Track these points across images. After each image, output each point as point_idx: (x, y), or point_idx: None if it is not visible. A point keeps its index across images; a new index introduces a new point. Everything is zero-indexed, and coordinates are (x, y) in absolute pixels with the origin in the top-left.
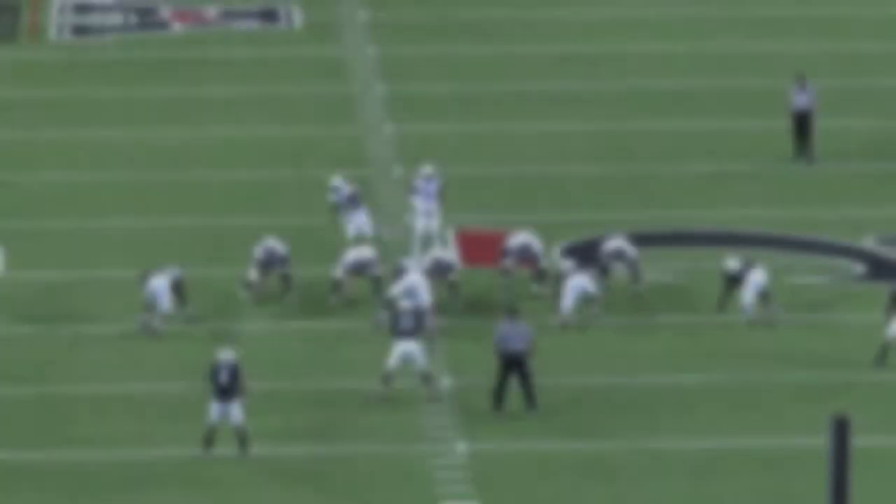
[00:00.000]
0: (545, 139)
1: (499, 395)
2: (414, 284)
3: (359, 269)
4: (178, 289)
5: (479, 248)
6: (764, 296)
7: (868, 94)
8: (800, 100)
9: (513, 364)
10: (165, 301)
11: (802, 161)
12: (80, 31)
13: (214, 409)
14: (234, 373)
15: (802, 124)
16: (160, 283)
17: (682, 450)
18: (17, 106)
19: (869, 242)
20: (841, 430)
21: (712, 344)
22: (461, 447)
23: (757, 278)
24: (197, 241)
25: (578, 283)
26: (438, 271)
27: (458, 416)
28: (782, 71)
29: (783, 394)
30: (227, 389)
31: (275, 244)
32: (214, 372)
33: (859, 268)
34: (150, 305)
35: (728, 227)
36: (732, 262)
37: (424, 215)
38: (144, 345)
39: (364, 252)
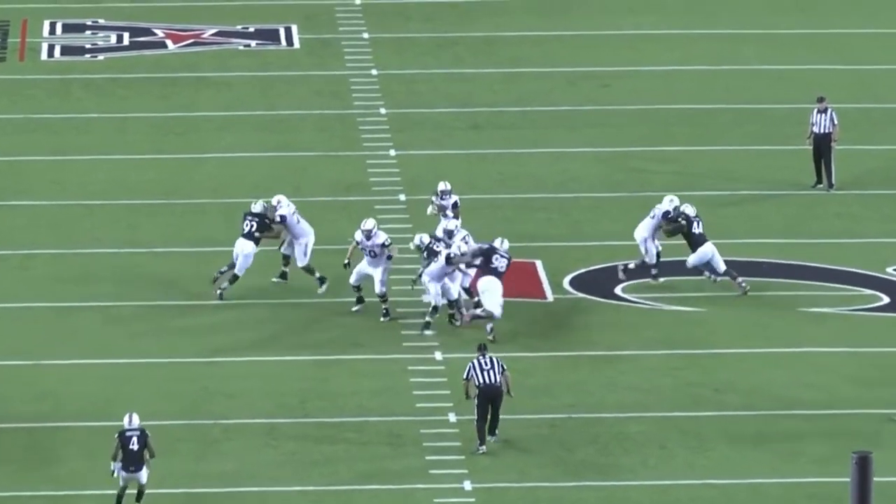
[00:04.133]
0: (553, 163)
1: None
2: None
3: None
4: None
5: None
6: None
7: (890, 118)
8: (820, 123)
9: (492, 398)
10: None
11: (822, 187)
12: (72, 51)
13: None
14: (143, 439)
15: (822, 148)
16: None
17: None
18: (6, 127)
19: (893, 272)
20: (863, 468)
21: (728, 375)
22: (467, 486)
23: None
24: (192, 270)
25: None
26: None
27: (465, 455)
28: (802, 92)
29: (800, 429)
30: (136, 457)
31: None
32: (123, 440)
33: (884, 298)
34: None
35: (744, 256)
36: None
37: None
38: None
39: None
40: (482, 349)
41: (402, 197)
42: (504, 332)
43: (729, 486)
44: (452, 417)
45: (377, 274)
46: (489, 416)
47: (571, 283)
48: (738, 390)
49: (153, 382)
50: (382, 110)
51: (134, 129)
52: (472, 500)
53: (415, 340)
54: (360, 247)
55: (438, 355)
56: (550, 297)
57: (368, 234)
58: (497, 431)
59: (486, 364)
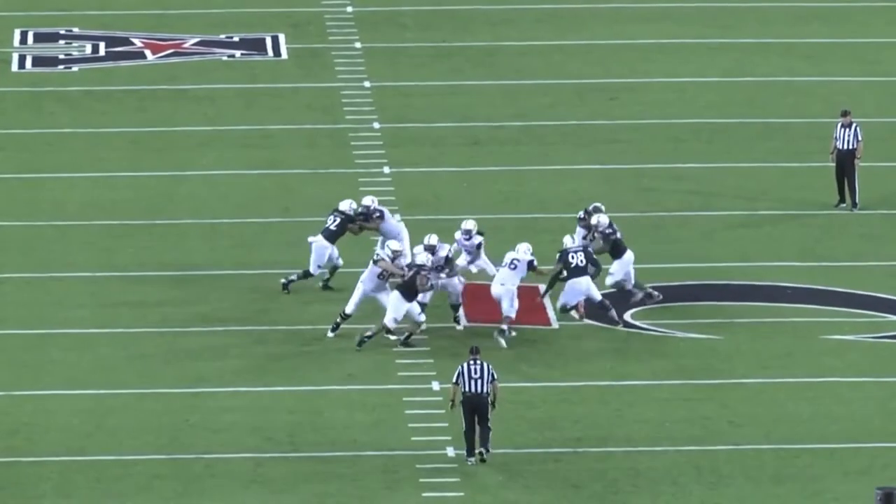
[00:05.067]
0: (559, 181)
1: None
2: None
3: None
4: None
5: (483, 303)
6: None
7: None
8: (843, 138)
9: (476, 407)
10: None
11: (845, 206)
12: (44, 61)
13: None
14: None
15: (846, 165)
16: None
17: None
18: None
19: None
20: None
21: (746, 407)
22: None
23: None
24: (173, 295)
25: None
26: None
27: (464, 492)
28: (825, 106)
29: (823, 465)
30: None
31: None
32: None
33: None
34: None
35: (762, 279)
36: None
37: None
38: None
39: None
40: (474, 352)
41: (398, 217)
42: (506, 361)
43: None
44: (451, 451)
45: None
46: (477, 428)
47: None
48: (757, 423)
49: (132, 414)
50: (376, 125)
51: (110, 145)
52: None
53: (410, 370)
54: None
55: (436, 385)
56: (556, 323)
57: (433, 250)
58: (489, 446)
59: (476, 372)
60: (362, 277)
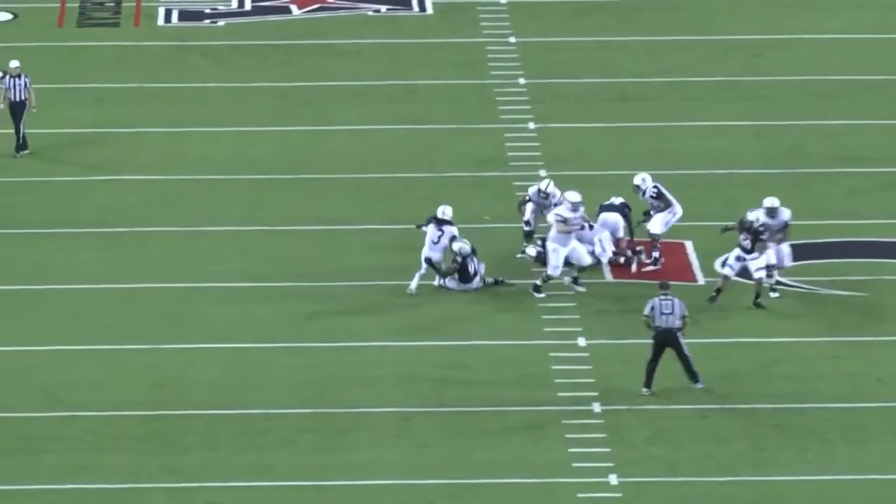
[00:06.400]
0: (705, 137)
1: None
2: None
3: None
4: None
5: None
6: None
7: None
8: None
9: (667, 341)
10: None
11: None
12: (190, 16)
13: None
14: None
15: None
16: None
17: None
18: (121, 96)
19: None
20: None
21: (894, 365)
22: (613, 480)
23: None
24: (319, 250)
25: None
26: None
27: (611, 448)
28: None
29: None
30: None
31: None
32: None
33: None
34: None
35: None
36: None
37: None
38: None
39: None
40: (664, 287)
41: (542, 173)
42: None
43: (894, 483)
44: (597, 407)
45: (580, 247)
46: (681, 364)
47: (724, 265)
48: None
49: (278, 369)
50: (521, 80)
51: (255, 99)
52: (618, 495)
53: (556, 326)
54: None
55: (582, 341)
56: (701, 280)
57: (576, 207)
58: (699, 377)
59: (667, 308)
60: (550, 237)
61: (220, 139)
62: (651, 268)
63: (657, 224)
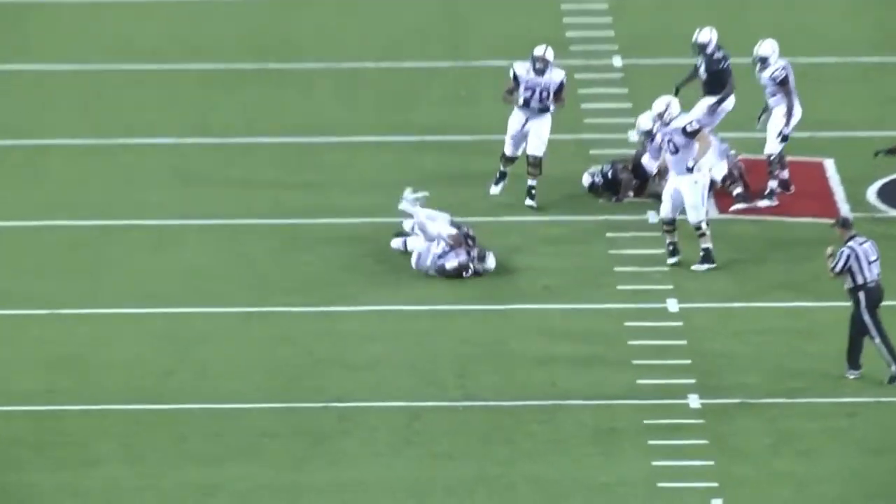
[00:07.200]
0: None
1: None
2: None
3: None
4: None
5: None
6: None
7: None
8: None
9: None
10: None
11: None
12: None
13: None
14: None
15: None
16: None
17: None
18: None
19: None
20: None
21: None
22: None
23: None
24: (291, 173)
25: None
26: None
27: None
28: None
29: None
30: None
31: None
32: None
33: None
34: None
35: None
36: None
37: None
38: None
39: None
40: (849, 226)
41: (616, 61)
42: (767, 273)
43: None
44: (695, 401)
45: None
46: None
47: (880, 194)
48: None
49: (231, 345)
50: None
51: None
52: None
53: (635, 282)
54: None
55: (673, 305)
56: (847, 214)
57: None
58: (861, 363)
59: (872, 253)
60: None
61: (150, 12)
62: (766, 203)
63: (774, 130)
